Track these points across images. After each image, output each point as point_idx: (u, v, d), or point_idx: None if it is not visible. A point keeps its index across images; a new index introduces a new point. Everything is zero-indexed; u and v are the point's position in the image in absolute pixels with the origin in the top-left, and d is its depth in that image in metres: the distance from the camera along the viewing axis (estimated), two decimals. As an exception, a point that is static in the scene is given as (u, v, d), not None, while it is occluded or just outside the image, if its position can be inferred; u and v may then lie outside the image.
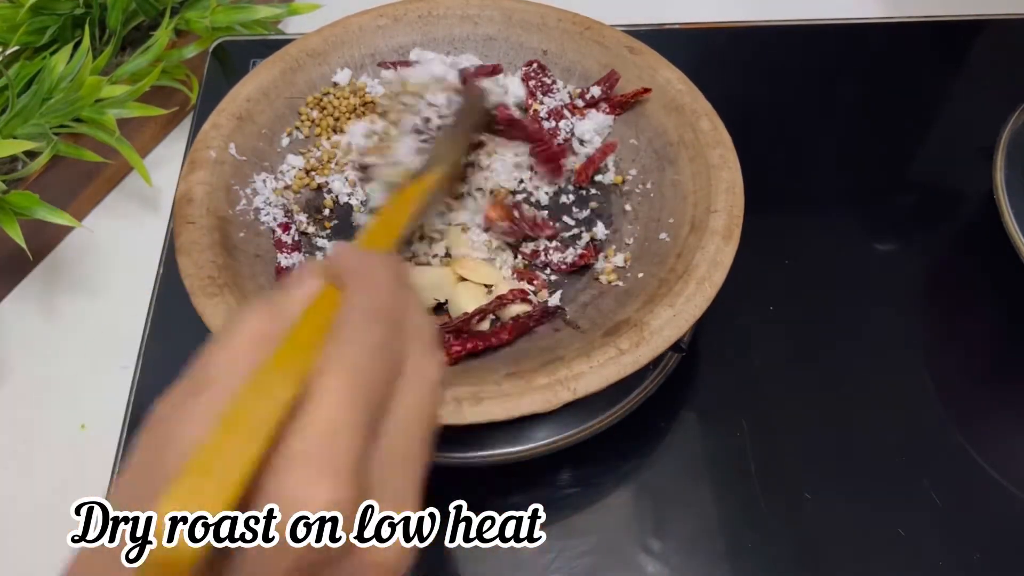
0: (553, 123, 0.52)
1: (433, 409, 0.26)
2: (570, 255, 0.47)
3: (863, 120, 0.65)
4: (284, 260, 0.46)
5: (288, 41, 0.56)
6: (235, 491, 0.20)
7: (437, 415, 0.27)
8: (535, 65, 0.54)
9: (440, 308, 0.45)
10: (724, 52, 0.69)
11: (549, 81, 0.54)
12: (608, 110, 0.52)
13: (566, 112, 0.52)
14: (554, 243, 0.48)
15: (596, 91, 0.52)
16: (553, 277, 0.47)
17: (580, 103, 0.53)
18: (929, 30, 0.70)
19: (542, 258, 0.47)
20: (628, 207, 0.49)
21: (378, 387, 0.24)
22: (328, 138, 0.52)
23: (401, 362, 0.25)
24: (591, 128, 0.51)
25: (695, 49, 0.69)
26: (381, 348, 0.24)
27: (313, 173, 0.50)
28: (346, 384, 0.23)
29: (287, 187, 0.50)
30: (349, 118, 0.53)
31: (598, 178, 0.51)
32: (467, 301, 0.44)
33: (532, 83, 0.53)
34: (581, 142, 0.52)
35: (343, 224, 0.49)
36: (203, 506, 0.20)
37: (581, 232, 0.48)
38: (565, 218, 0.49)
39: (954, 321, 0.54)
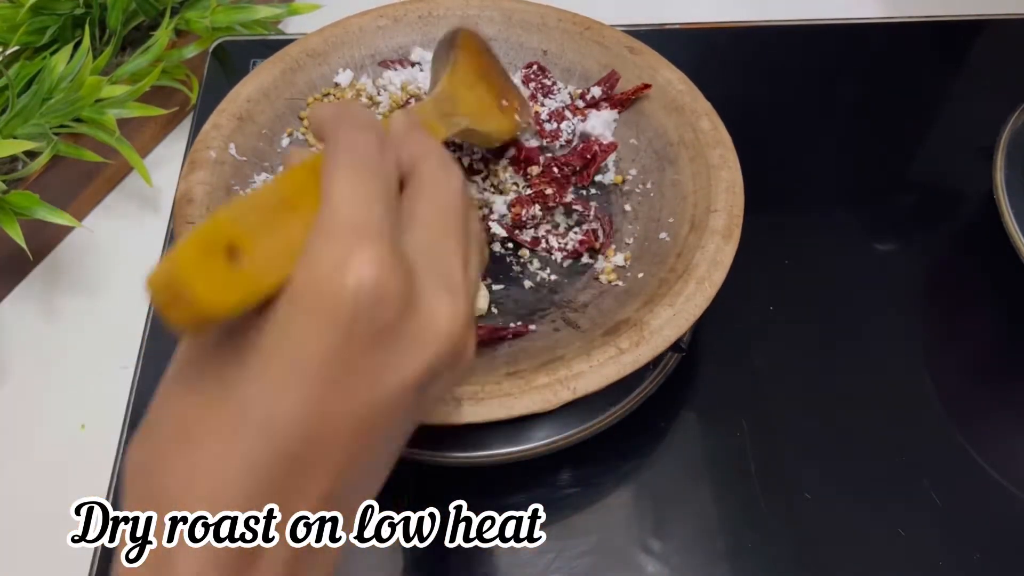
0: (555, 124, 0.52)
1: (458, 202, 0.27)
2: (570, 241, 0.47)
3: (863, 120, 0.65)
4: None
5: (288, 41, 0.56)
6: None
7: (468, 209, 0.28)
8: (535, 67, 0.54)
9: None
10: (724, 52, 0.69)
11: (549, 83, 0.54)
12: (609, 108, 0.52)
13: (567, 113, 0.52)
14: (561, 228, 0.48)
15: (596, 91, 0.52)
16: (553, 276, 0.47)
17: (581, 103, 0.53)
18: (929, 30, 0.70)
19: (543, 245, 0.47)
20: (628, 207, 0.49)
21: (383, 172, 0.25)
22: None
23: (404, 162, 0.27)
24: (600, 124, 0.51)
25: (695, 49, 0.69)
26: (379, 146, 0.26)
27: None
28: (351, 171, 0.24)
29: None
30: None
31: (598, 178, 0.51)
32: None
33: (532, 85, 0.53)
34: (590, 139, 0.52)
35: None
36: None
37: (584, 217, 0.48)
38: (562, 218, 0.49)
39: (954, 321, 0.54)
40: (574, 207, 0.48)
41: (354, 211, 0.23)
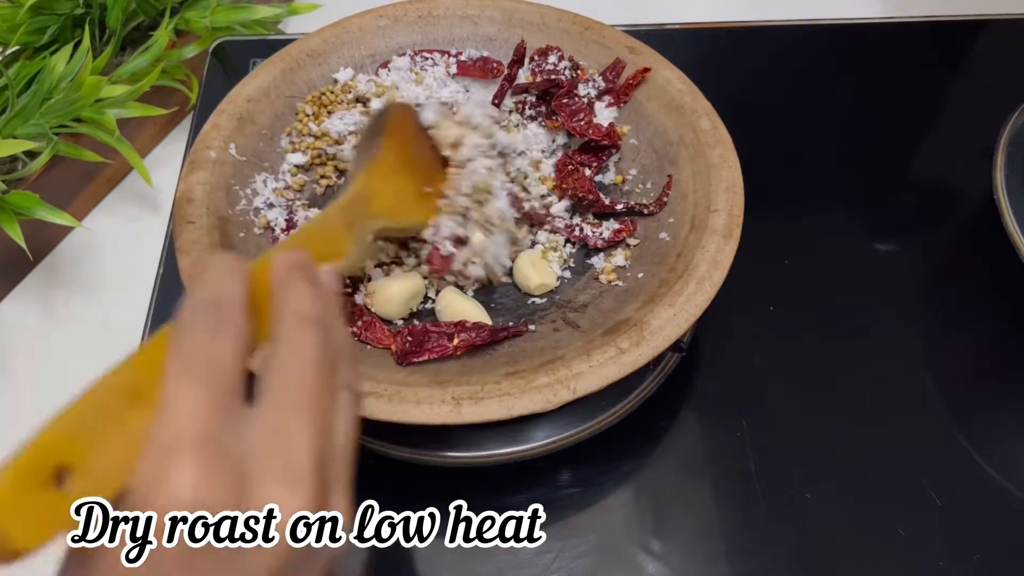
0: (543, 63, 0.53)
1: (310, 371, 0.26)
2: (606, 230, 0.47)
3: (863, 120, 0.65)
4: None
5: (288, 41, 0.56)
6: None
7: (326, 377, 0.27)
8: (535, 56, 0.54)
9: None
10: (724, 52, 0.69)
11: (550, 67, 0.53)
12: (612, 101, 0.52)
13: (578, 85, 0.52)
14: (592, 218, 0.49)
15: (601, 81, 0.52)
16: (567, 272, 0.47)
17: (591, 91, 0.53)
18: (929, 30, 0.70)
19: (577, 233, 0.47)
20: (628, 207, 0.49)
21: (219, 370, 0.24)
22: (318, 125, 0.52)
23: (336, 371, 0.27)
24: None
25: (695, 49, 0.69)
26: (320, 359, 0.26)
27: (307, 167, 0.51)
28: (183, 374, 0.23)
29: (287, 187, 0.50)
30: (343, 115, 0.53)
31: (598, 178, 0.51)
32: (461, 304, 0.44)
33: (539, 78, 0.53)
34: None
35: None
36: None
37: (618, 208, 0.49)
38: (559, 219, 0.49)
39: (954, 321, 0.54)
40: (603, 203, 0.48)
41: (180, 419, 0.22)
